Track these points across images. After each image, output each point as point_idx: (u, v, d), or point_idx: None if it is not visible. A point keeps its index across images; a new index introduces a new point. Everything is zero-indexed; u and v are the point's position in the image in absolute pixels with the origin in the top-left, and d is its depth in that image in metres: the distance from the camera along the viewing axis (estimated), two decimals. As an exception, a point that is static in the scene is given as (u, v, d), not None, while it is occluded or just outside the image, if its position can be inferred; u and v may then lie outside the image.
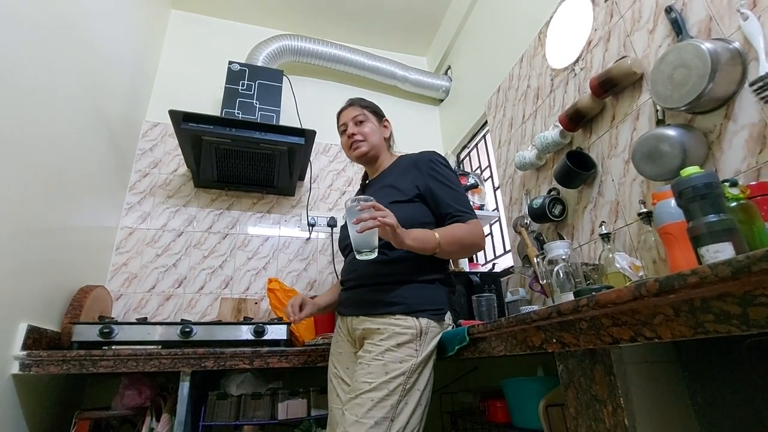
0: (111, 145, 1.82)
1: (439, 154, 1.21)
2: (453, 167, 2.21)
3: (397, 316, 1.01)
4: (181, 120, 1.77)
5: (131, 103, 2.05)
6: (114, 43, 1.79)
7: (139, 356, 1.28)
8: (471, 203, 1.93)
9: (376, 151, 1.29)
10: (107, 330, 1.37)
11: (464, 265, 1.98)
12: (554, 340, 0.65)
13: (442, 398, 1.53)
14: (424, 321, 1.00)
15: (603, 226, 1.21)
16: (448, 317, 1.05)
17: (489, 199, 2.19)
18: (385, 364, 0.94)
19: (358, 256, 0.96)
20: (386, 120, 1.37)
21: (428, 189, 1.13)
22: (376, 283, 1.08)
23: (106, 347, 1.39)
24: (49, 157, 1.33)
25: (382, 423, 0.88)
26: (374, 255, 0.95)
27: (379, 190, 1.20)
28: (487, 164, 2.31)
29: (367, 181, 1.37)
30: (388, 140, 1.36)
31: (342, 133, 1.32)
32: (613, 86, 1.26)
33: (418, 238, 0.98)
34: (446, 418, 1.49)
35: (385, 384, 0.92)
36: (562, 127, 1.45)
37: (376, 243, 0.96)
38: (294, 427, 1.62)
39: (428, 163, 1.17)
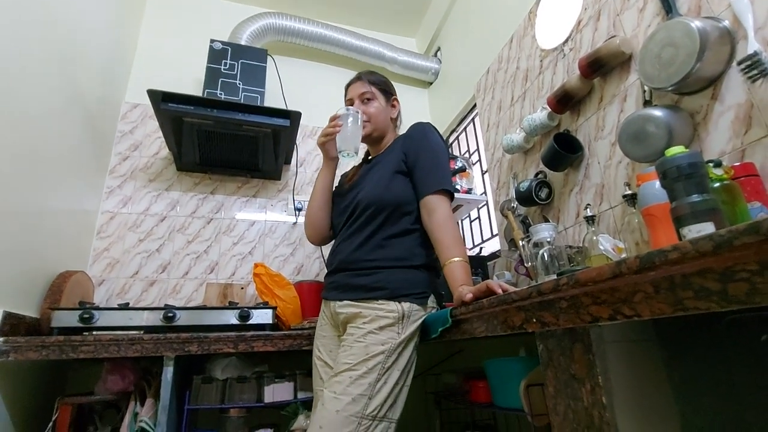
0: (87, 126, 1.76)
1: (430, 125, 1.18)
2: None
3: (380, 301, 1.00)
4: (161, 100, 1.71)
5: (108, 82, 1.97)
6: (87, 19, 1.71)
7: (120, 341, 1.26)
8: (455, 184, 1.93)
9: (380, 132, 1.25)
10: (87, 315, 1.35)
11: (451, 248, 1.97)
12: (534, 320, 0.64)
13: (426, 379, 1.54)
14: (407, 305, 0.99)
15: (588, 209, 1.21)
16: (431, 300, 1.04)
17: (477, 183, 2.18)
18: (366, 346, 0.94)
19: (340, 155, 1.15)
20: (395, 99, 1.32)
21: (413, 158, 1.12)
22: (359, 268, 1.07)
23: (87, 333, 1.36)
24: (18, 137, 1.28)
25: (360, 400, 0.88)
26: (354, 158, 1.15)
27: (373, 168, 1.20)
28: (476, 148, 2.29)
29: (369, 158, 1.33)
30: (395, 120, 1.32)
31: None
32: (601, 66, 1.25)
33: (466, 279, 0.94)
34: (430, 398, 1.50)
35: (363, 362, 0.92)
36: (550, 109, 1.44)
37: (358, 147, 1.16)
38: (281, 409, 1.62)
39: (418, 132, 1.16)
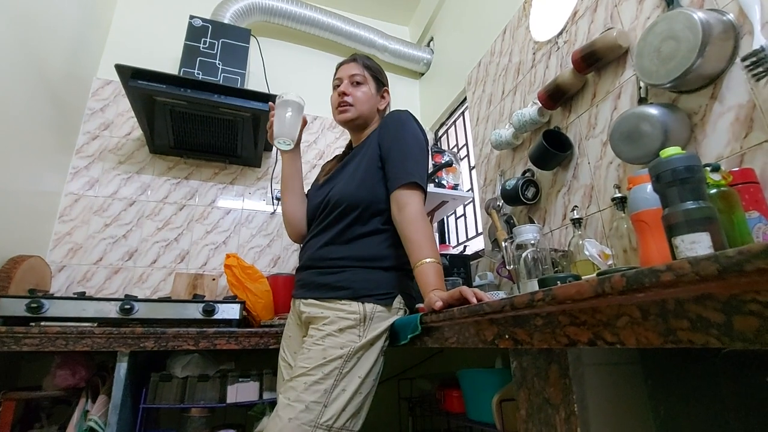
0: (51, 101, 1.64)
1: (408, 113, 1.09)
2: (431, 144, 2.11)
3: (343, 301, 0.92)
4: (130, 76, 1.60)
5: (77, 56, 1.85)
6: (53, -15, 1.59)
7: (69, 334, 1.17)
8: (441, 179, 1.85)
9: (363, 120, 1.14)
10: (36, 305, 1.25)
11: (434, 246, 1.90)
12: (507, 336, 0.57)
13: (401, 384, 1.47)
14: (369, 306, 0.91)
15: (575, 211, 1.14)
16: (397, 302, 0.97)
17: (464, 178, 2.11)
18: (324, 349, 0.86)
19: (276, 142, 1.09)
20: (386, 90, 1.21)
21: (386, 149, 1.03)
22: (325, 266, 0.99)
23: (34, 324, 1.26)
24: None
25: (314, 407, 0.81)
26: (289, 146, 1.10)
27: (350, 162, 1.11)
28: (465, 142, 2.21)
29: (352, 149, 1.22)
30: (383, 112, 1.20)
31: (335, 87, 1.17)
32: (596, 60, 1.17)
33: (438, 283, 0.85)
34: (404, 404, 1.43)
35: (320, 368, 0.84)
36: (540, 105, 1.36)
37: (296, 136, 1.11)
38: (248, 409, 1.55)
39: (393, 121, 1.06)
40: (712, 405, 0.40)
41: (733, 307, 0.30)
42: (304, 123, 1.16)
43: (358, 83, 1.13)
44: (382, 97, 1.20)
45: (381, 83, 1.19)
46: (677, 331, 0.34)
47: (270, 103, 1.14)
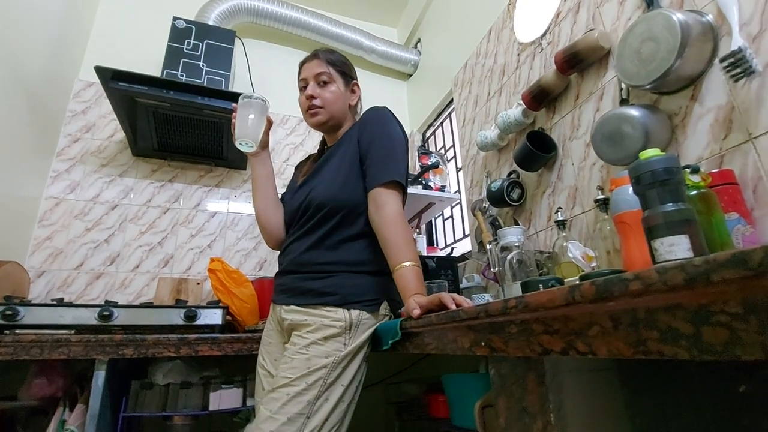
0: (29, 102, 1.60)
1: (387, 110, 1.05)
2: (417, 145, 2.10)
3: (328, 308, 0.90)
4: (110, 78, 1.57)
5: (58, 57, 1.81)
6: (29, -15, 1.55)
7: (44, 342, 1.14)
8: (428, 180, 1.84)
9: (336, 120, 1.09)
10: (10, 312, 1.21)
11: (422, 248, 1.89)
12: (483, 343, 0.56)
13: (388, 389, 1.46)
14: (355, 313, 0.90)
15: (559, 213, 1.14)
16: (383, 308, 0.95)
17: (451, 180, 2.10)
18: (308, 359, 0.84)
19: (237, 143, 1.04)
20: (355, 83, 1.14)
21: (365, 147, 1.00)
22: (309, 271, 0.97)
23: (9, 332, 1.23)
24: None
25: (297, 419, 0.79)
26: (252, 148, 1.05)
27: (327, 162, 1.07)
28: (452, 144, 2.21)
29: (326, 147, 1.18)
30: (355, 107, 1.15)
31: (301, 89, 1.10)
32: (579, 62, 1.17)
33: (418, 288, 0.83)
34: (391, 409, 1.42)
35: (303, 378, 0.82)
36: (525, 106, 1.36)
37: (258, 137, 1.06)
38: (233, 415, 1.52)
39: (372, 118, 1.04)
40: (688, 415, 0.39)
41: (701, 318, 0.29)
42: (270, 124, 1.10)
43: (325, 83, 1.07)
44: (352, 91, 1.13)
45: (349, 77, 1.13)
46: (647, 341, 0.33)
47: (233, 104, 1.08)
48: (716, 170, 0.77)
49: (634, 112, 0.93)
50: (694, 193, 0.71)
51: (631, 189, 0.82)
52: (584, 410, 0.50)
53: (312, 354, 0.85)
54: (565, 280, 0.90)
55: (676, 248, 0.61)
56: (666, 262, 0.64)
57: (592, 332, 0.38)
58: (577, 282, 0.86)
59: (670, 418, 0.41)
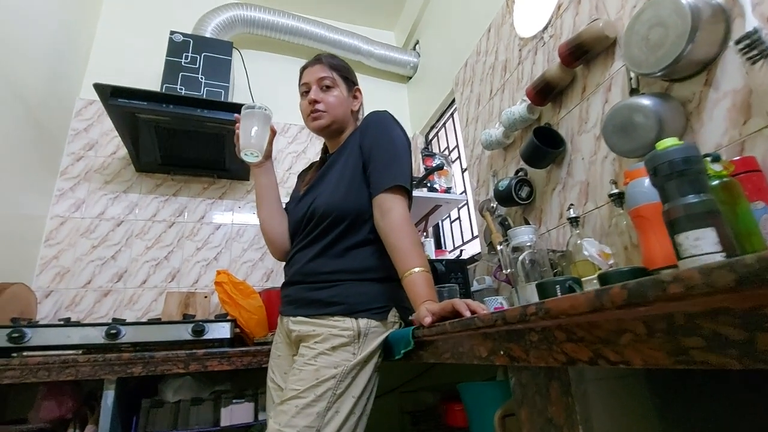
0: (32, 123, 1.61)
1: (388, 114, 1.03)
2: (420, 147, 2.08)
3: (336, 317, 0.87)
4: (110, 95, 1.57)
5: (58, 77, 1.82)
6: (27, 6, 1.55)
7: (51, 364, 1.12)
8: (433, 183, 1.81)
9: (339, 125, 1.07)
10: (17, 334, 1.20)
11: (430, 251, 1.86)
12: (502, 352, 0.53)
13: (403, 397, 1.42)
14: (363, 321, 0.87)
15: (572, 210, 1.10)
16: (392, 315, 0.92)
17: (457, 181, 2.07)
18: (317, 369, 0.81)
19: (242, 154, 1.02)
20: (358, 89, 1.13)
21: (367, 152, 0.98)
22: (316, 281, 0.94)
23: (16, 354, 1.21)
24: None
25: None
26: (257, 158, 1.03)
27: (330, 169, 1.05)
28: (456, 144, 2.18)
29: (328, 154, 1.15)
30: (357, 113, 1.14)
31: (303, 94, 1.09)
32: (584, 53, 1.14)
33: (429, 294, 0.80)
34: (407, 418, 1.38)
35: (312, 389, 0.79)
36: (529, 101, 1.33)
37: (263, 148, 1.04)
38: (245, 430, 1.50)
39: (374, 123, 1.02)
40: (730, 423, 0.35)
41: (754, 323, 0.25)
42: (273, 133, 1.09)
43: (328, 87, 1.06)
44: (355, 97, 1.12)
45: (351, 83, 1.12)
46: (690, 350, 0.29)
47: (236, 115, 1.06)
48: (738, 158, 0.73)
49: (645, 101, 0.90)
50: (716, 182, 0.67)
51: (647, 181, 0.78)
52: (612, 422, 0.47)
53: (320, 364, 0.82)
54: (582, 279, 0.86)
55: (702, 242, 0.57)
56: (692, 257, 0.61)
57: (623, 340, 0.35)
58: (595, 281, 0.82)
59: (708, 425, 0.37)
